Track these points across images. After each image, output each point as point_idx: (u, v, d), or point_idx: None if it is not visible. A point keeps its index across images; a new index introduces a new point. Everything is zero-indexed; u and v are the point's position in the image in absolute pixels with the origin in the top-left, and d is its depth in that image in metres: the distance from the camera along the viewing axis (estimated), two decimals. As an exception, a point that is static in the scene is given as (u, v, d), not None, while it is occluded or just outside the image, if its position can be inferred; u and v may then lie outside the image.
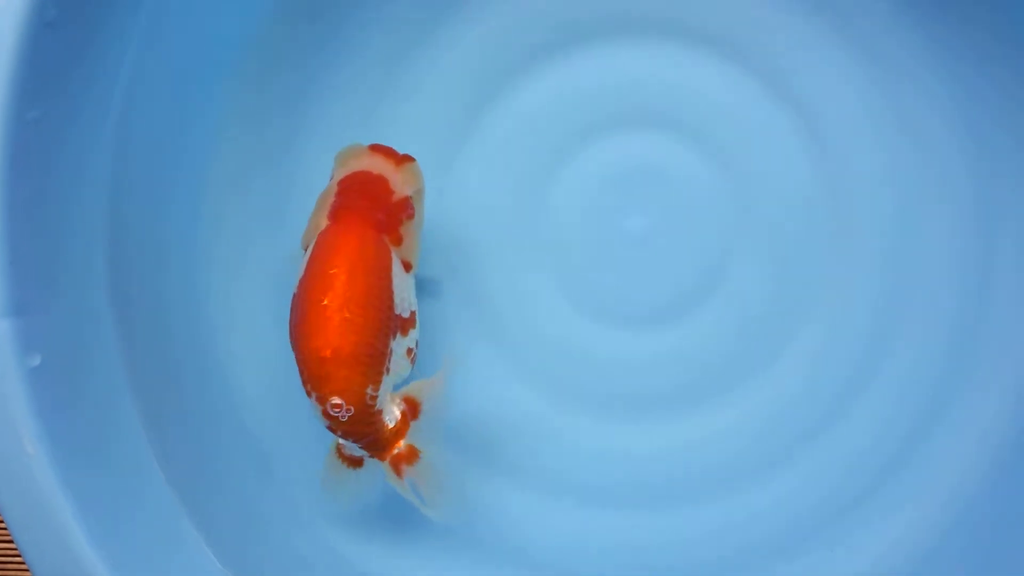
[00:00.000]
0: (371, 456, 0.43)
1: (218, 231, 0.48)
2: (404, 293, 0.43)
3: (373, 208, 0.43)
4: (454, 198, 0.51)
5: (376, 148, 0.44)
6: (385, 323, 0.42)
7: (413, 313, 0.44)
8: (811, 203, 0.51)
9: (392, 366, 0.42)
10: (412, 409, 0.43)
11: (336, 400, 0.40)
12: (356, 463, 0.44)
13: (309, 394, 0.41)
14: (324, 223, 0.43)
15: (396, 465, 0.43)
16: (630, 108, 0.51)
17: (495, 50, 0.51)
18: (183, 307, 0.47)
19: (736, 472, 0.50)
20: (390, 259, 0.43)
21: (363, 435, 0.42)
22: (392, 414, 0.43)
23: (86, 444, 0.40)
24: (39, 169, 0.40)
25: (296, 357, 0.41)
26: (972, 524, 0.47)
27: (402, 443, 0.43)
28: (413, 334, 0.44)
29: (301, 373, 0.41)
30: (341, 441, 0.43)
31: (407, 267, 0.44)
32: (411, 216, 0.44)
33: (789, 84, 0.51)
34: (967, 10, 0.49)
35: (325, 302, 0.40)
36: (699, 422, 0.50)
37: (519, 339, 0.51)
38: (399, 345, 0.43)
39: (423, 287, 0.49)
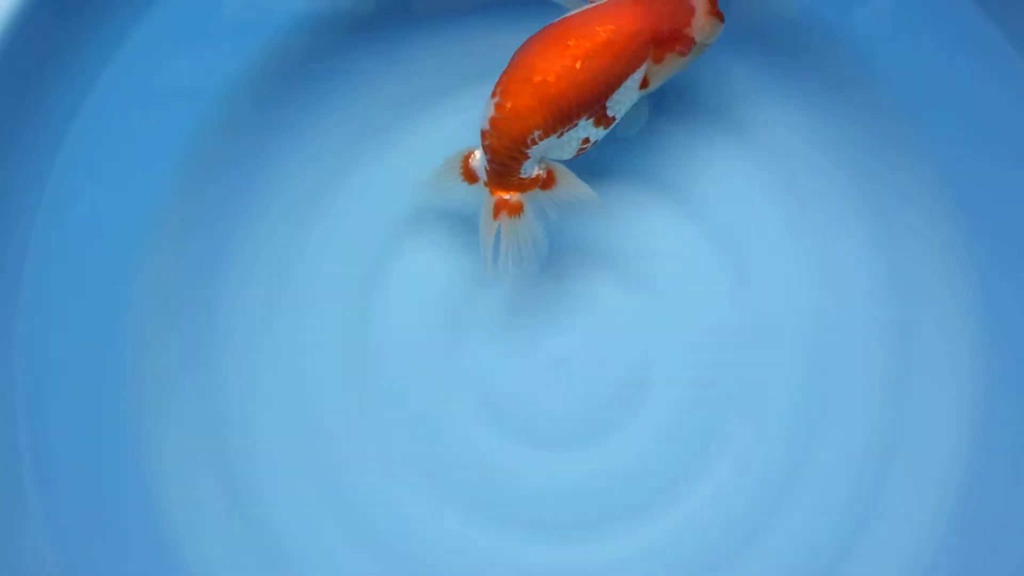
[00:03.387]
0: (485, 184, 0.46)
1: (143, 376, 0.49)
2: (624, 98, 0.45)
3: (666, 21, 0.45)
4: (375, 323, 0.52)
5: None
6: (594, 101, 0.44)
7: (614, 119, 0.46)
8: (728, 321, 0.52)
9: (566, 137, 0.45)
10: (548, 180, 0.46)
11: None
12: (472, 179, 0.47)
13: (494, 95, 0.44)
14: None
15: (498, 207, 0.46)
16: (547, 233, 0.51)
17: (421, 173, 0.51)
18: (113, 463, 0.47)
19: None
20: (640, 66, 0.45)
21: (499, 161, 0.45)
22: (532, 170, 0.46)
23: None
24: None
25: (511, 62, 0.44)
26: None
27: (516, 196, 0.46)
28: (599, 132, 0.46)
29: (503, 76, 0.44)
30: (476, 153, 0.46)
31: (644, 84, 0.46)
32: (683, 54, 0.46)
33: (703, 209, 0.52)
34: (883, 141, 0.50)
35: (571, 43, 0.43)
36: (627, 538, 0.51)
37: (445, 465, 0.51)
38: (584, 129, 0.45)
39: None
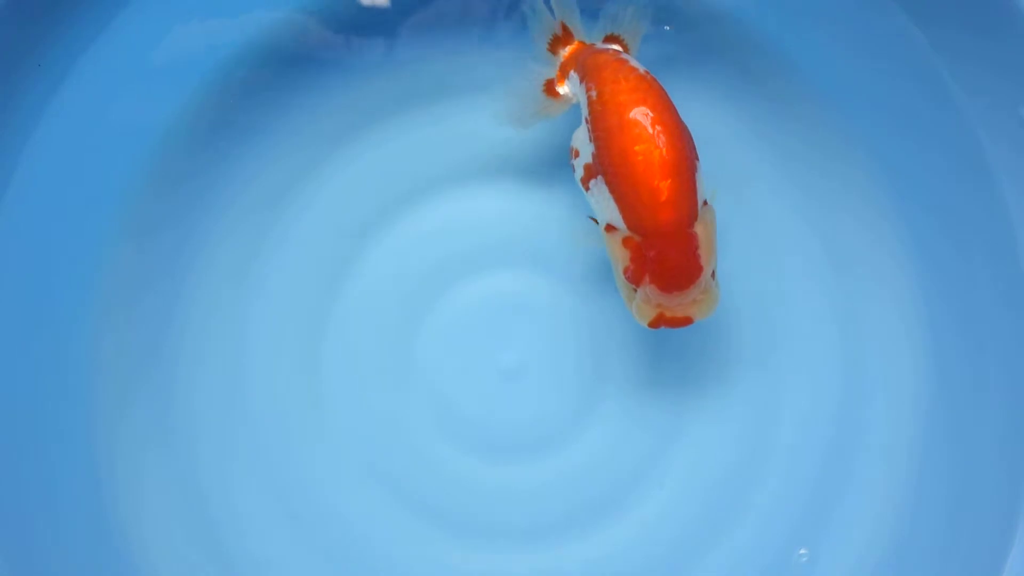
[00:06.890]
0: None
1: (97, 384, 0.50)
2: (596, 201, 0.47)
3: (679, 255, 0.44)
4: (331, 340, 0.53)
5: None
6: (610, 163, 0.44)
7: (586, 191, 0.47)
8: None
9: (584, 129, 0.47)
10: (589, 77, 0.47)
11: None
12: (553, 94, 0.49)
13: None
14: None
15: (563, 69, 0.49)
16: (496, 244, 0.53)
17: (368, 192, 0.53)
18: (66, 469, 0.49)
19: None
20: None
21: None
22: (577, 96, 0.48)
23: None
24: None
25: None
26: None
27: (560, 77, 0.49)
28: (578, 172, 0.47)
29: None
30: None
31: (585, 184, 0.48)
32: (607, 230, 0.46)
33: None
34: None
35: (677, 147, 0.43)
36: (578, 549, 0.52)
37: (401, 474, 0.52)
38: (585, 146, 0.46)
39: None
